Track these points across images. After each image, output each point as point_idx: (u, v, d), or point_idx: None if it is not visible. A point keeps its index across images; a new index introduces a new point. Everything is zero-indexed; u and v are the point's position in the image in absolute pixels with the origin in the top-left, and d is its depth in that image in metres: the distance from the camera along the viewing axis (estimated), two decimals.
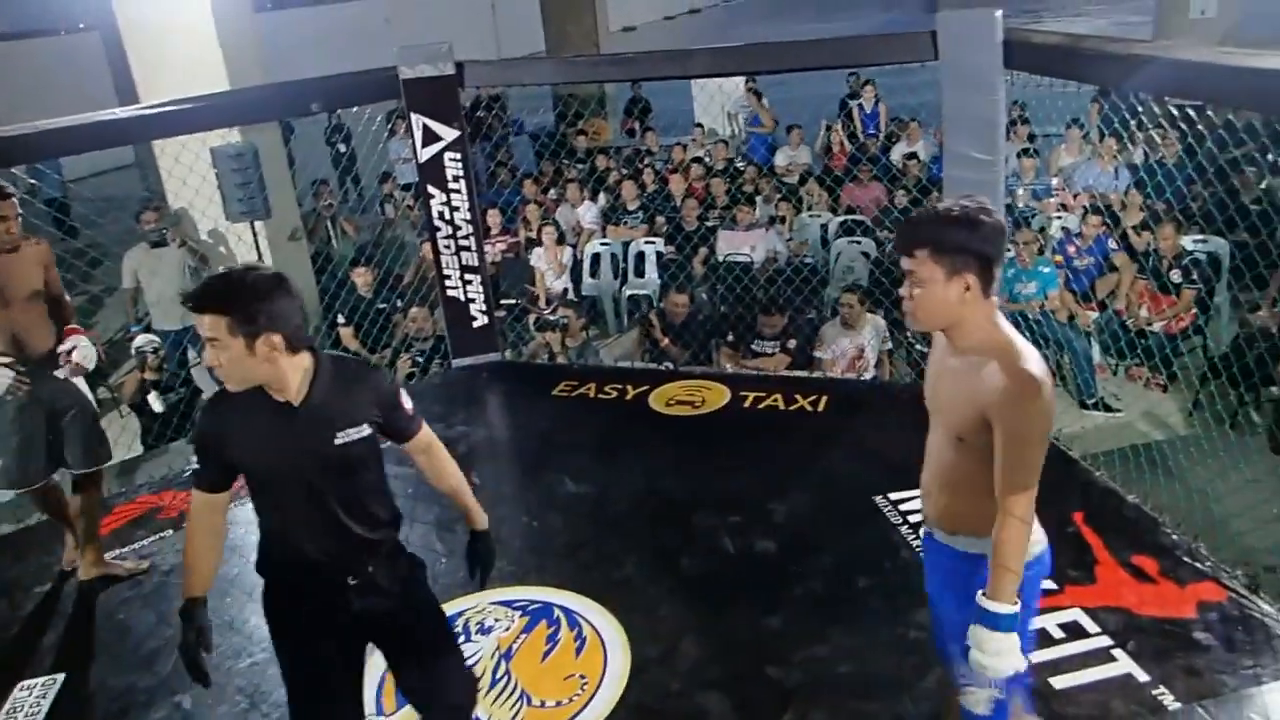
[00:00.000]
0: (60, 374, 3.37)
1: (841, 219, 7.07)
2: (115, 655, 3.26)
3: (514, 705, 2.87)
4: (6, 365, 3.23)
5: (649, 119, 11.06)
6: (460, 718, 2.37)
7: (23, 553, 3.95)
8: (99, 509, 3.65)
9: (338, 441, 2.06)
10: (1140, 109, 4.33)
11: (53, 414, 3.40)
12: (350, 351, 5.85)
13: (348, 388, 2.09)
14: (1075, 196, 6.56)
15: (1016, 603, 1.93)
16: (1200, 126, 4.01)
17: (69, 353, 3.34)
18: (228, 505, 2.23)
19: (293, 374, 2.03)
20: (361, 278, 6.17)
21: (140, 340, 5.40)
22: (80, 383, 3.47)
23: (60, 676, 3.15)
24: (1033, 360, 1.89)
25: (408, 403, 2.19)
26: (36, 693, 3.08)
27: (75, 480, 3.54)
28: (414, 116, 4.99)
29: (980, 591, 1.95)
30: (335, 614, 2.18)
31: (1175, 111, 4.07)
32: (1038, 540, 2.05)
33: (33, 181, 3.27)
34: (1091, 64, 3.57)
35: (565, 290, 6.74)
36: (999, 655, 1.93)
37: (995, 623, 1.92)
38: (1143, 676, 2.75)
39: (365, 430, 2.09)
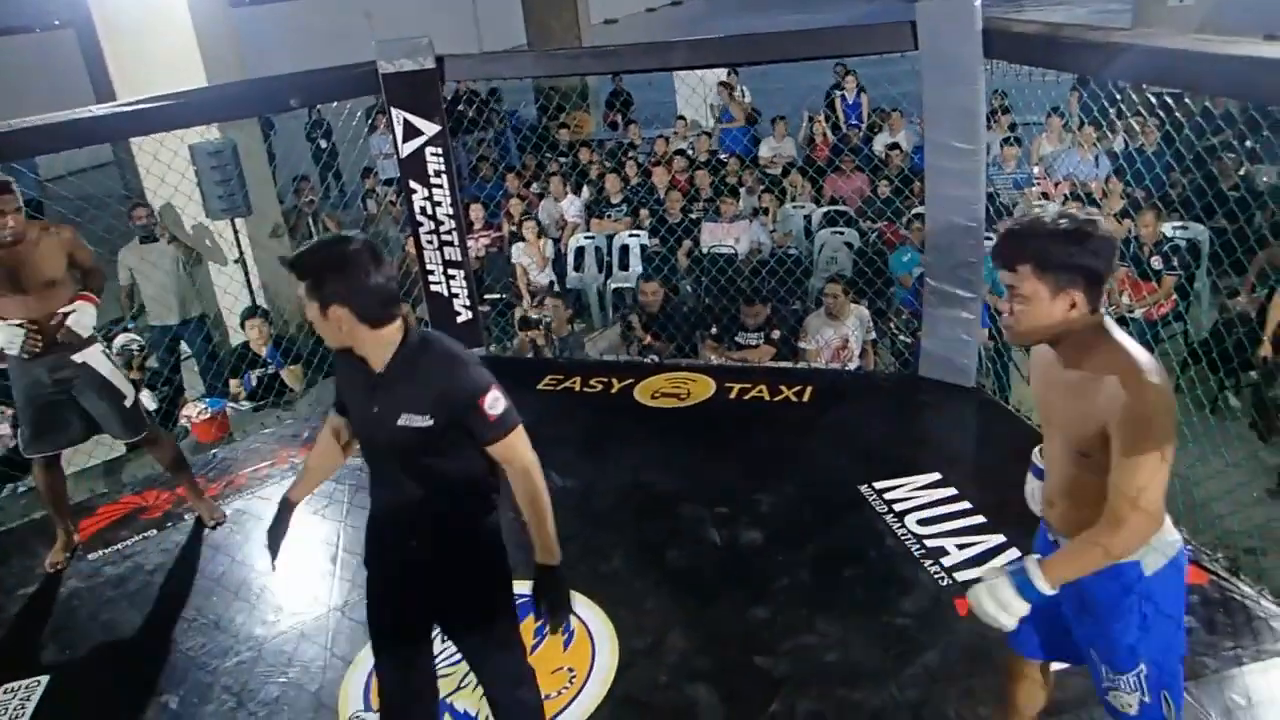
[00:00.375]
0: (61, 336, 3.46)
1: (825, 210, 7.08)
2: (100, 656, 3.24)
3: None
4: (19, 326, 3.34)
5: (630, 112, 11.04)
6: (514, 704, 2.38)
7: (4, 555, 3.92)
8: (172, 455, 3.92)
9: (399, 422, 2.06)
10: (1119, 97, 4.35)
11: (72, 392, 3.53)
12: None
13: (423, 375, 2.07)
14: (1056, 185, 6.59)
15: (1053, 590, 1.87)
16: (1178, 114, 4.02)
17: (65, 315, 3.42)
18: (345, 431, 2.33)
19: (374, 346, 2.06)
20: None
21: (123, 339, 5.36)
22: (102, 363, 3.58)
23: (44, 679, 3.13)
24: (1152, 371, 1.79)
25: (493, 408, 2.07)
26: (20, 695, 3.06)
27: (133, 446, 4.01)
28: (394, 111, 4.97)
29: (1037, 556, 1.91)
30: (396, 566, 2.27)
31: (1154, 99, 4.09)
32: (1174, 541, 1.93)
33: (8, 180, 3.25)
34: (1070, 52, 3.58)
35: (550, 283, 6.72)
36: (1002, 610, 1.89)
37: (1026, 589, 1.87)
38: None
39: (428, 421, 2.05)
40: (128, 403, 3.66)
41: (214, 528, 3.92)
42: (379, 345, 2.06)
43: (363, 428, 2.20)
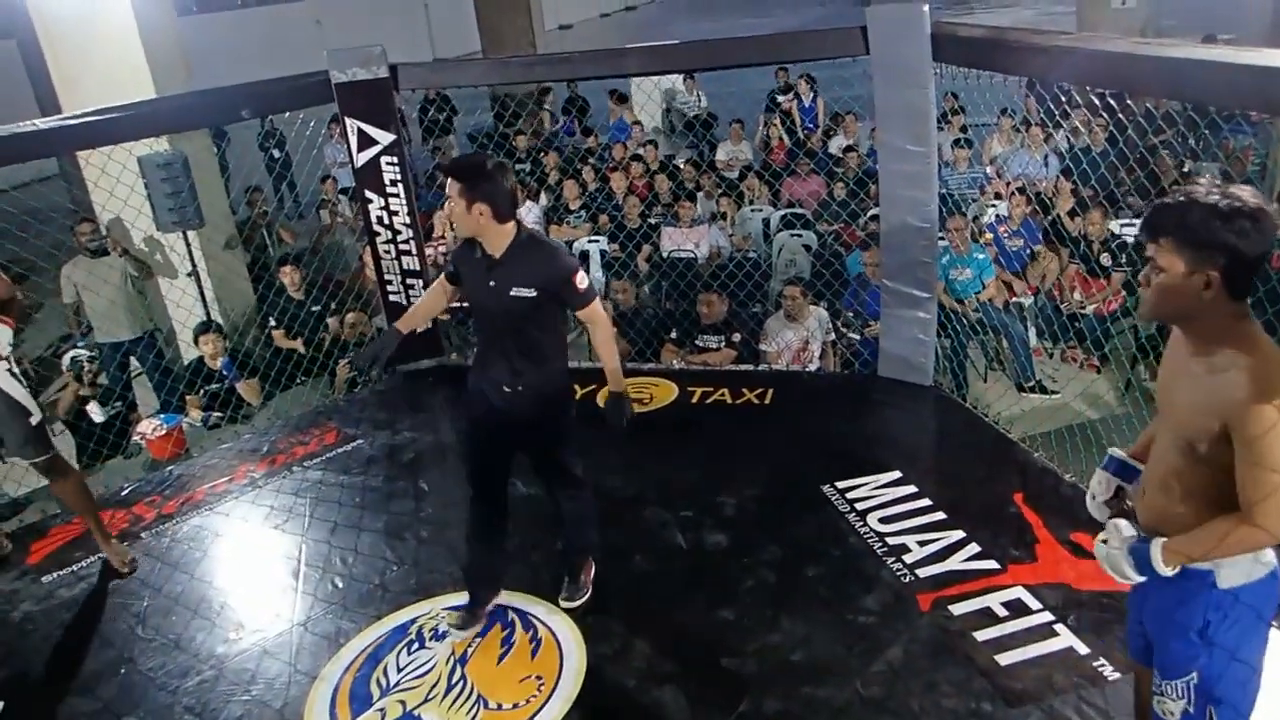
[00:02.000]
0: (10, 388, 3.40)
1: (783, 213, 7.15)
2: (57, 680, 3.16)
3: (471, 709, 2.85)
4: None
5: (586, 118, 11.05)
6: (577, 502, 3.17)
7: None
8: (76, 496, 3.72)
9: (512, 294, 2.77)
10: (1064, 99, 4.45)
11: None
12: (285, 353, 5.78)
13: (531, 259, 2.79)
14: (1008, 185, 6.72)
15: (1172, 570, 1.85)
16: (1121, 115, 4.12)
17: None
18: (455, 295, 3.06)
19: (497, 236, 2.78)
20: (288, 276, 6.08)
21: (72, 354, 5.25)
22: (6, 381, 3.46)
23: None
24: None
25: (582, 283, 2.84)
26: None
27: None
28: (348, 121, 4.93)
29: (1164, 540, 1.85)
30: (496, 411, 2.95)
31: (1098, 100, 4.19)
32: (1268, 562, 1.85)
33: None
34: (1016, 55, 3.66)
35: None
36: (1119, 569, 1.90)
37: (1144, 562, 1.86)
38: (1083, 649, 2.84)
39: (533, 293, 2.77)
40: (33, 420, 3.54)
41: (126, 574, 3.68)
42: (502, 236, 2.77)
43: (478, 297, 2.88)
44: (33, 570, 3.82)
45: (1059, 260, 5.92)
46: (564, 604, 3.23)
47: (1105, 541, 1.98)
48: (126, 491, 4.33)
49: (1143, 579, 1.91)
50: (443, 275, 3.09)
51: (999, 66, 3.81)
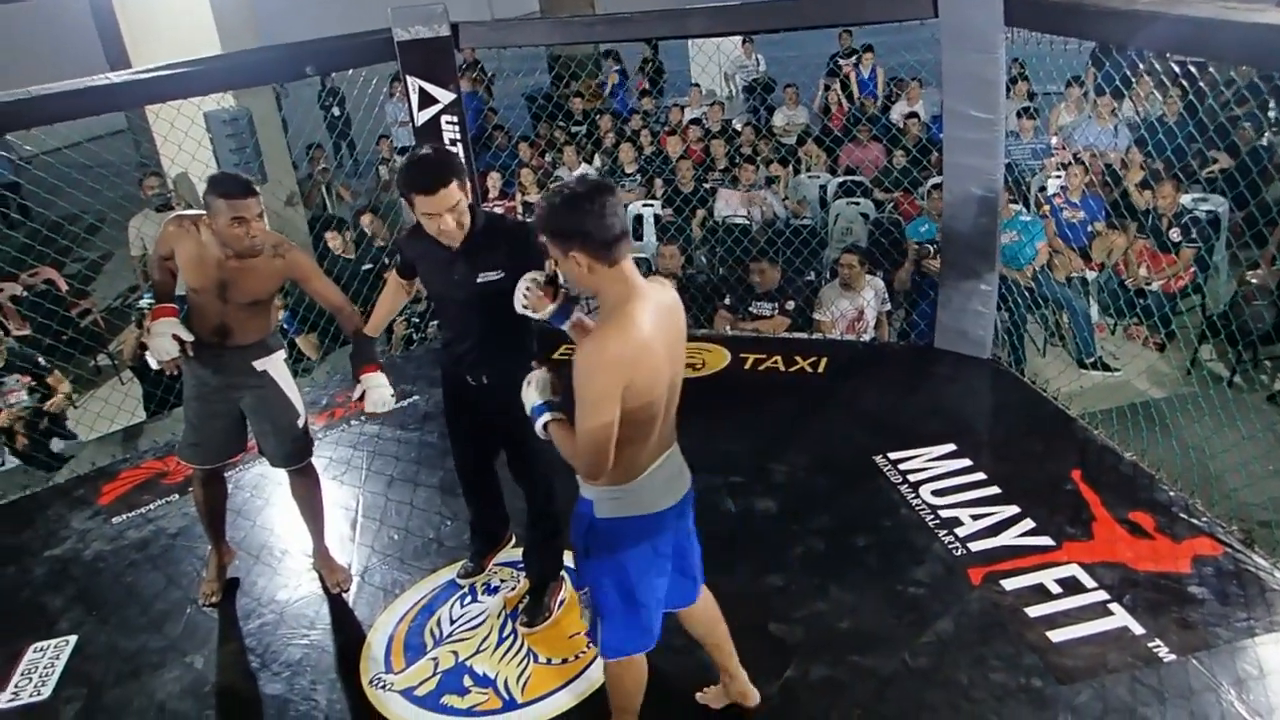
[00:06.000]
0: (288, 392, 3.11)
1: (840, 180, 7.03)
2: (125, 618, 3.30)
3: (521, 662, 2.92)
4: (178, 338, 2.96)
5: (662, 80, 10.87)
6: (544, 525, 3.05)
7: (30, 518, 3.98)
8: (315, 503, 3.33)
9: (479, 280, 2.69)
10: (1142, 66, 4.30)
11: (239, 404, 3.12)
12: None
13: (493, 240, 2.72)
14: (1075, 155, 6.53)
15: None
16: (1202, 84, 3.97)
17: (359, 398, 3.02)
18: (412, 288, 3.03)
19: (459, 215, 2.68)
20: (334, 241, 6.17)
21: (143, 302, 5.41)
22: (288, 387, 3.14)
23: (72, 639, 3.20)
24: None
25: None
26: (49, 654, 3.13)
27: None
28: (409, 79, 4.95)
29: None
30: (468, 389, 2.92)
31: (1176, 69, 4.04)
32: (624, 498, 2.20)
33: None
34: (1094, 20, 3.53)
35: None
36: None
37: None
38: (1138, 629, 2.80)
39: (501, 275, 2.65)
40: (300, 422, 3.20)
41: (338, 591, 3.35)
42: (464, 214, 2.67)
43: (442, 289, 2.83)
44: (104, 511, 3.98)
45: (1126, 235, 5.75)
46: (521, 629, 3.04)
47: None
48: None
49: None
50: (394, 271, 2.99)
51: (1075, 31, 3.70)
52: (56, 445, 4.99)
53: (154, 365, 3.11)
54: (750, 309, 5.39)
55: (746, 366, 4.74)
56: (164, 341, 2.95)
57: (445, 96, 4.95)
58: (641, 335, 2.03)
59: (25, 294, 5.89)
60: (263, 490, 4.00)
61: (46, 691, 2.98)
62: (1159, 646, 2.73)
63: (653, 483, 2.21)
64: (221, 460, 3.22)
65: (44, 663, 3.10)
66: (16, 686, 3.01)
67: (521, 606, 3.11)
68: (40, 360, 5.20)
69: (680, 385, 2.28)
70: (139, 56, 5.92)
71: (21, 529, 3.91)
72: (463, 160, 2.70)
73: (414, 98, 4.98)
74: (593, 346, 2.00)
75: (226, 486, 3.37)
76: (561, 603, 3.14)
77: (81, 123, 4.16)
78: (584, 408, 2.00)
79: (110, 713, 2.88)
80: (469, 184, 2.68)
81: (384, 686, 2.88)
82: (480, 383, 2.87)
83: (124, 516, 3.92)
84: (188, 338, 2.98)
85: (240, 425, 3.17)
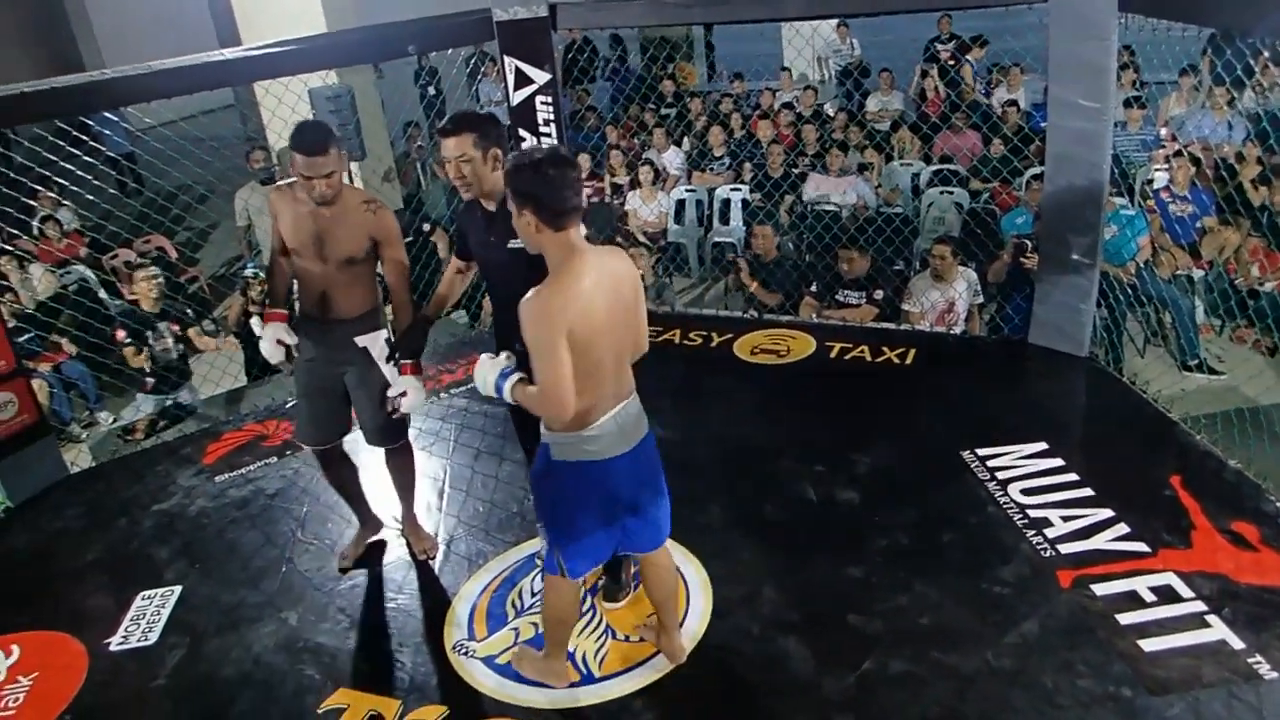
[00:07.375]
0: (386, 372, 3.13)
1: (935, 168, 6.87)
2: (226, 572, 3.47)
3: (599, 637, 2.97)
4: (282, 322, 3.15)
5: (711, 55, 10.77)
6: None
7: (140, 473, 4.21)
8: (405, 473, 3.41)
9: (509, 246, 2.67)
10: (1266, 54, 4.08)
11: (342, 380, 3.18)
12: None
13: None
14: (1186, 147, 6.24)
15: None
16: None
17: (399, 396, 3.08)
18: (471, 269, 3.09)
19: (497, 185, 2.71)
20: (442, 241, 6.29)
21: (247, 270, 5.63)
22: (384, 362, 3.16)
23: (177, 589, 3.38)
24: None
25: None
26: (156, 603, 3.31)
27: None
28: (506, 59, 5.02)
29: None
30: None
31: None
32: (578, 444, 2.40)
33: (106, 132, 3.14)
34: (1215, 6, 3.37)
35: (664, 230, 6.78)
36: None
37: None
38: (1238, 644, 2.69)
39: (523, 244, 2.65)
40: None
41: (428, 560, 3.44)
42: (500, 186, 2.67)
43: (484, 256, 2.89)
44: (207, 470, 4.17)
45: (1239, 231, 5.48)
46: (603, 605, 3.09)
47: None
48: (291, 405, 4.64)
49: None
50: (453, 255, 3.12)
51: (1196, 18, 3.53)
52: (185, 397, 5.24)
53: (257, 331, 3.25)
54: (837, 297, 5.32)
55: (832, 355, 4.69)
56: (270, 346, 3.19)
57: (541, 77, 5.00)
58: (579, 289, 2.25)
59: (140, 260, 6.19)
60: (355, 456, 4.12)
61: (153, 638, 3.16)
62: (1259, 663, 2.63)
63: (603, 432, 2.40)
64: (331, 439, 3.28)
65: (151, 610, 3.28)
66: (126, 631, 3.19)
67: (600, 583, 3.16)
68: (189, 311, 5.48)
69: (638, 344, 2.50)
70: (249, 35, 6.14)
71: (132, 483, 4.13)
72: (497, 123, 2.80)
73: (510, 78, 5.05)
74: (535, 299, 2.23)
75: (354, 466, 3.43)
76: (637, 582, 3.18)
77: (194, 97, 4.34)
78: (537, 358, 2.23)
79: (210, 661, 3.04)
80: (499, 145, 2.76)
81: (466, 653, 2.97)
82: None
83: (226, 476, 4.10)
84: (291, 340, 3.18)
85: (346, 403, 3.23)
